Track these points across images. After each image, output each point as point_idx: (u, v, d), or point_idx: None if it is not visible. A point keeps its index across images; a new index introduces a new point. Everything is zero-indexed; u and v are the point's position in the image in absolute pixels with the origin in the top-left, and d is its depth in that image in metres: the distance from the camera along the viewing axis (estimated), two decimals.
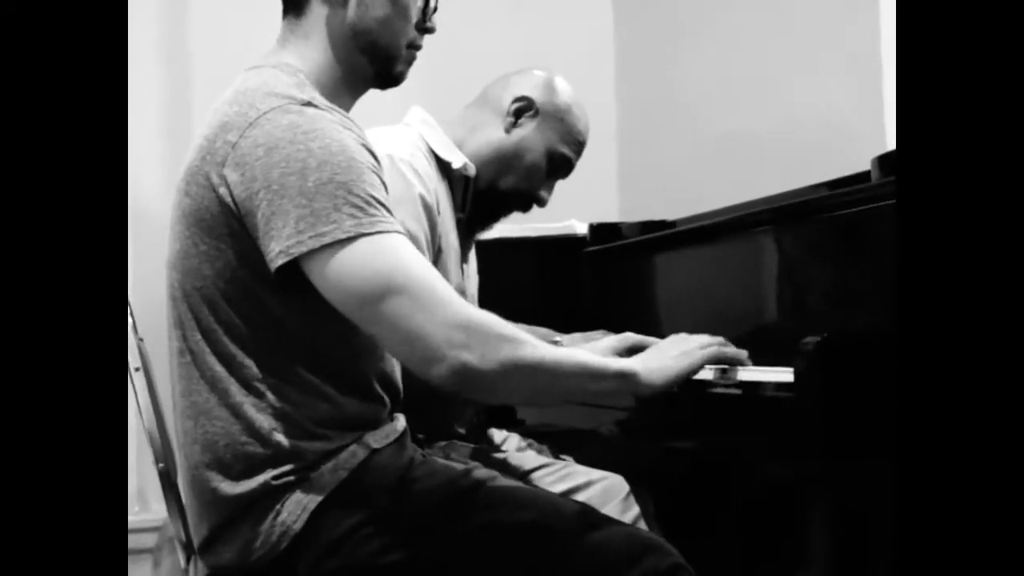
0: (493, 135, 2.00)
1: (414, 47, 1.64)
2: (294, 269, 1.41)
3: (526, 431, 2.19)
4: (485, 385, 1.42)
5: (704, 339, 1.62)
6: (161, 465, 1.68)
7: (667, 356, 1.56)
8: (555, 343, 2.03)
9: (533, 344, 1.42)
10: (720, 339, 1.64)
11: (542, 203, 2.07)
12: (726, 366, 1.65)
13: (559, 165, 2.05)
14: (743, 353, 1.65)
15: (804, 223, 1.92)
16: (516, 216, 2.36)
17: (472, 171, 1.92)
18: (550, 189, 2.07)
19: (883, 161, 1.72)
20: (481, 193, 1.99)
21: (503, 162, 2.01)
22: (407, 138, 1.92)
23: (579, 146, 2.07)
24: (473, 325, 1.39)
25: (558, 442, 2.14)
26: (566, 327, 2.14)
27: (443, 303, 1.39)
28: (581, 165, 3.67)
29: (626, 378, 1.50)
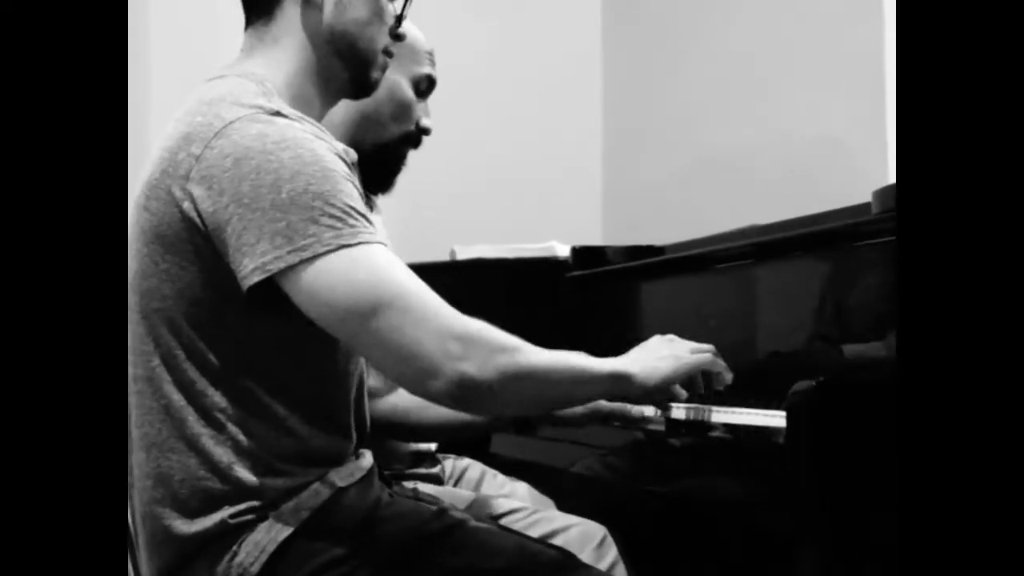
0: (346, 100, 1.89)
1: (388, 54, 1.67)
2: (267, 288, 1.42)
3: (496, 464, 2.21)
4: (485, 395, 1.43)
5: (693, 344, 1.65)
6: None
7: (658, 356, 1.60)
8: None
9: (528, 350, 1.45)
10: (710, 347, 1.66)
11: (428, 131, 2.08)
12: (704, 407, 1.70)
13: (426, 86, 2.08)
14: (728, 373, 1.67)
15: (799, 257, 1.96)
16: (494, 235, 2.37)
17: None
18: (427, 112, 2.09)
19: (883, 195, 1.77)
20: (367, 159, 1.88)
21: (371, 120, 2.02)
22: None
23: (430, 55, 2.08)
24: (469, 335, 1.41)
25: (533, 480, 2.17)
26: None
27: (435, 314, 1.41)
28: (564, 183, 3.74)
29: (621, 379, 1.54)
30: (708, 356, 1.63)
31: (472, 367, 1.40)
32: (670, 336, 1.66)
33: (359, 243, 1.42)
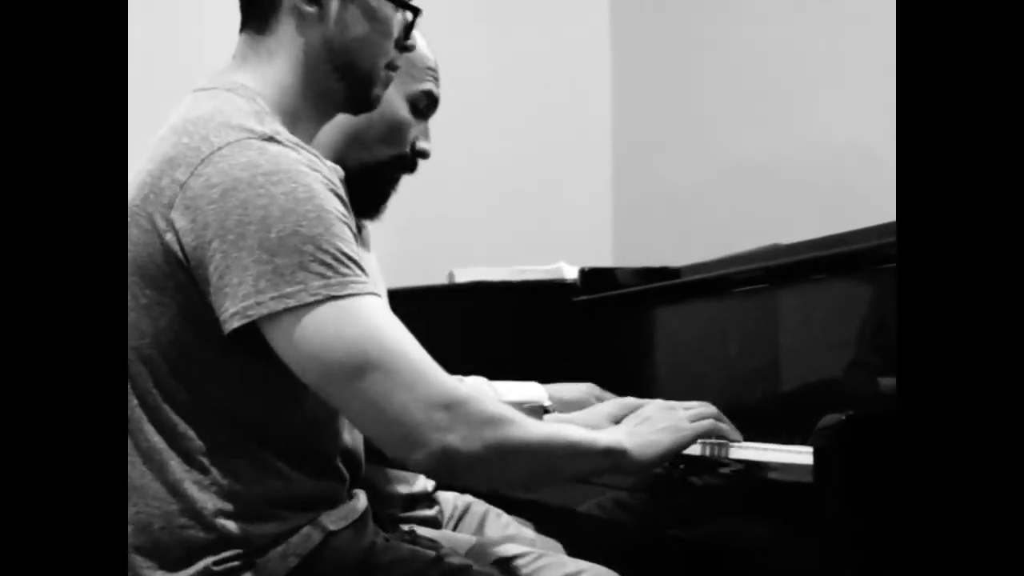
0: (336, 117, 1.80)
1: (392, 68, 1.65)
2: (250, 331, 1.40)
3: (501, 503, 2.19)
4: (468, 469, 1.43)
5: (695, 409, 1.66)
6: None
7: (656, 429, 1.61)
8: (544, 409, 2.03)
9: (519, 423, 1.45)
10: (713, 409, 1.68)
11: (426, 154, 2.00)
12: (721, 441, 1.70)
13: (425, 104, 1.99)
14: (736, 433, 1.70)
15: (825, 280, 1.93)
16: (496, 256, 2.32)
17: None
18: (427, 134, 2.01)
19: None
20: (351, 182, 1.75)
21: (358, 140, 1.94)
22: None
23: (433, 70, 2.00)
24: (457, 404, 1.40)
25: (540, 520, 2.15)
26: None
27: (423, 379, 1.40)
28: (572, 200, 3.72)
29: (615, 455, 1.54)
30: (709, 423, 1.65)
31: (457, 439, 1.40)
32: (671, 403, 1.67)
33: (348, 295, 1.40)
